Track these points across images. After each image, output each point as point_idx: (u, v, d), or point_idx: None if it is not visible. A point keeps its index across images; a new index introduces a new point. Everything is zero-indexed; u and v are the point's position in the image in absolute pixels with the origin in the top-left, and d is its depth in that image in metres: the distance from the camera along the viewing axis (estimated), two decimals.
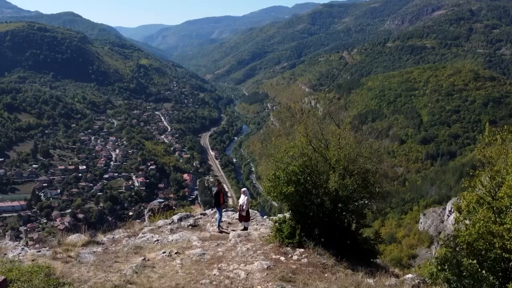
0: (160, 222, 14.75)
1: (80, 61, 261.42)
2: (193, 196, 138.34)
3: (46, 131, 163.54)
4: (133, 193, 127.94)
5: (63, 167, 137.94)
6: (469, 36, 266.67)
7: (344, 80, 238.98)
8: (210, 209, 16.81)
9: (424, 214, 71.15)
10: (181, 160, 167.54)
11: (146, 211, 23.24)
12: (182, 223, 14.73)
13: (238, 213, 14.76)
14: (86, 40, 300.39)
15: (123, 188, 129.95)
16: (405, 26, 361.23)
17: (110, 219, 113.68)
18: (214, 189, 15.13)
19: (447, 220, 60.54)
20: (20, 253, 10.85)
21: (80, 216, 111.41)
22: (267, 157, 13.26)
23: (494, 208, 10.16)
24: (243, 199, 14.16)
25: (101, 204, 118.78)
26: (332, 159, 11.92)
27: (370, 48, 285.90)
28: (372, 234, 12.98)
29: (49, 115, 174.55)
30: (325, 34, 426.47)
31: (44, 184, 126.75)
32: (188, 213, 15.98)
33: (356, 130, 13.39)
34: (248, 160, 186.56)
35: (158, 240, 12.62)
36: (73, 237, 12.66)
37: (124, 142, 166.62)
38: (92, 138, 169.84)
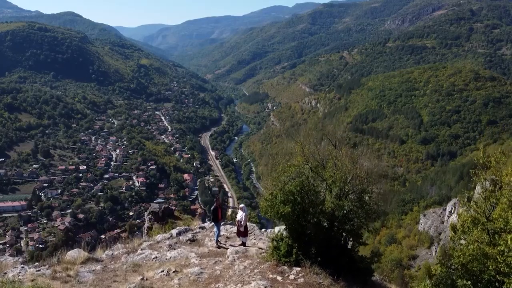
0: (159, 237, 14.85)
1: (81, 61, 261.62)
2: (193, 196, 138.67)
3: (47, 131, 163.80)
4: (133, 193, 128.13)
5: (63, 167, 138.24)
6: (469, 36, 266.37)
7: (344, 80, 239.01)
8: (208, 223, 16.93)
9: (424, 215, 71.03)
10: (181, 160, 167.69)
11: (146, 213, 23.36)
12: (180, 237, 14.84)
13: (236, 228, 14.88)
14: (86, 40, 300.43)
15: (124, 188, 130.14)
16: (405, 26, 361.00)
17: (110, 219, 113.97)
18: (214, 201, 15.24)
19: (447, 221, 60.50)
20: (20, 272, 10.95)
21: (81, 216, 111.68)
22: (269, 177, 13.30)
23: (489, 229, 10.23)
24: (241, 215, 14.29)
25: (102, 204, 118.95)
26: (328, 180, 12.03)
27: (370, 48, 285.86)
28: (369, 253, 13.07)
29: (50, 115, 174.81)
30: (325, 34, 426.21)
31: (44, 184, 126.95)
32: (186, 227, 16.09)
33: (352, 150, 13.48)
34: (249, 160, 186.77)
35: (156, 257, 12.71)
36: (72, 253, 12.72)
37: (125, 142, 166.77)
38: (93, 138, 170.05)
